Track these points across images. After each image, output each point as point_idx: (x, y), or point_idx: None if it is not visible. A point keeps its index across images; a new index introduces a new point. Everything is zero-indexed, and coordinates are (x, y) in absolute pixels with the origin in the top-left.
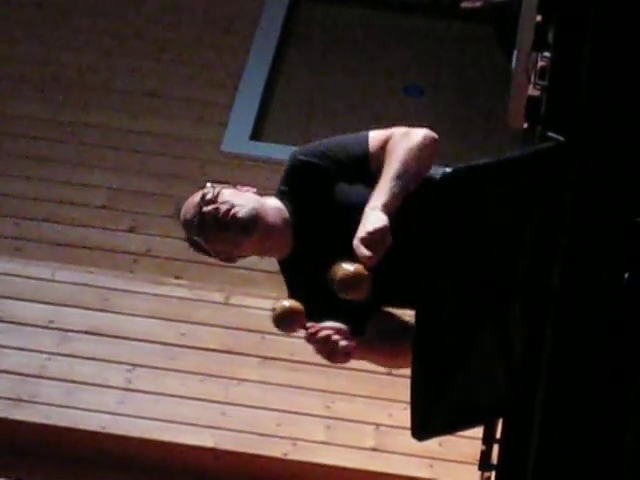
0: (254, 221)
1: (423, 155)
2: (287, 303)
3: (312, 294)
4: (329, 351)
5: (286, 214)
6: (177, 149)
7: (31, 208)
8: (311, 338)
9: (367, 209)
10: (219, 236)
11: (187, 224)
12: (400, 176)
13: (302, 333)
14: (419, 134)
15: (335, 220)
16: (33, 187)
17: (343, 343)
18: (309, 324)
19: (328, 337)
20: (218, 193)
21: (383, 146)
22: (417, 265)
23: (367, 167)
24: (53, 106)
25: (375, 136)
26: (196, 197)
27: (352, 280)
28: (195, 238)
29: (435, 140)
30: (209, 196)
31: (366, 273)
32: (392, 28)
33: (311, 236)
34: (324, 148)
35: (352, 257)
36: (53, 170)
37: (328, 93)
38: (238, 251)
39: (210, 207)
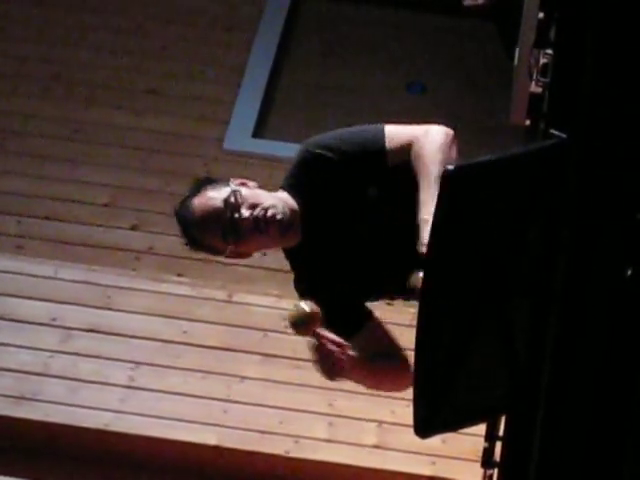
0: (292, 222)
1: (449, 154)
2: (308, 308)
3: (317, 283)
4: (329, 365)
5: (296, 207)
6: (179, 147)
7: (33, 206)
8: (318, 349)
9: (421, 220)
10: (255, 239)
11: (208, 228)
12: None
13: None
14: (439, 135)
15: (345, 215)
16: (35, 185)
17: (343, 362)
18: (319, 331)
19: (331, 352)
20: (239, 195)
21: (403, 147)
22: (418, 260)
23: (382, 162)
24: (55, 104)
25: (392, 135)
26: (210, 198)
27: None
28: (226, 240)
29: (453, 135)
30: (232, 200)
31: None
32: (394, 25)
33: (320, 229)
34: (338, 142)
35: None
36: (55, 168)
37: (330, 90)
38: (261, 249)
39: (245, 213)
